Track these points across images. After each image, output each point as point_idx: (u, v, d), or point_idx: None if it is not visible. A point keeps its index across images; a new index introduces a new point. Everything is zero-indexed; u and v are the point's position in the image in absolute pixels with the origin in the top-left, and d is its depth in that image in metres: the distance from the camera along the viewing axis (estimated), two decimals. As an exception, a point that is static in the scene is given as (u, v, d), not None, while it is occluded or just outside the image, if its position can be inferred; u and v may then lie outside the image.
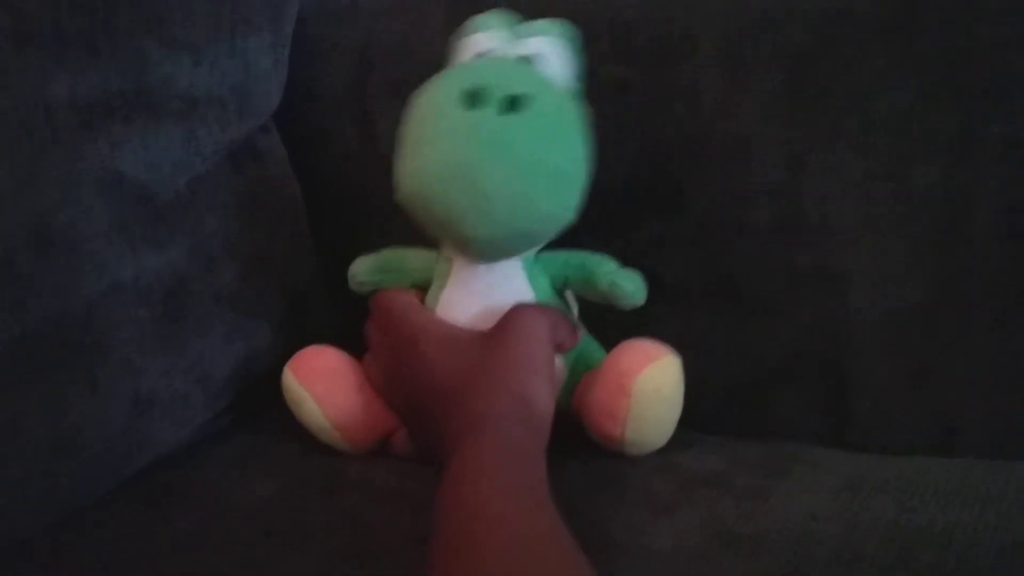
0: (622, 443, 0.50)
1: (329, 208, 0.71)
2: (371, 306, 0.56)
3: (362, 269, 0.58)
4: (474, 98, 0.46)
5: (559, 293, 0.54)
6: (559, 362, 0.52)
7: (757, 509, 0.45)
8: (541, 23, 0.53)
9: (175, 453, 0.57)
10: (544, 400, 0.47)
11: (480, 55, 0.52)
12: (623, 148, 0.58)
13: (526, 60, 0.50)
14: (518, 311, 0.50)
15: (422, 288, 0.55)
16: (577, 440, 0.52)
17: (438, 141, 0.47)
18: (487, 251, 0.49)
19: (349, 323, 0.59)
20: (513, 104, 0.46)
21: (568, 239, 0.55)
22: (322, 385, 0.54)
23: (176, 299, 0.57)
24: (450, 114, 0.46)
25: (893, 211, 0.52)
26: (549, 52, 0.51)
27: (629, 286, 0.51)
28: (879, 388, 0.54)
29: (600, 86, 0.58)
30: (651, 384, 0.49)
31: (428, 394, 0.48)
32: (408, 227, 0.60)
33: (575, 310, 0.56)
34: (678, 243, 0.58)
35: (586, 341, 0.55)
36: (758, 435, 0.55)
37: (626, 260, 0.54)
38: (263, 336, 0.63)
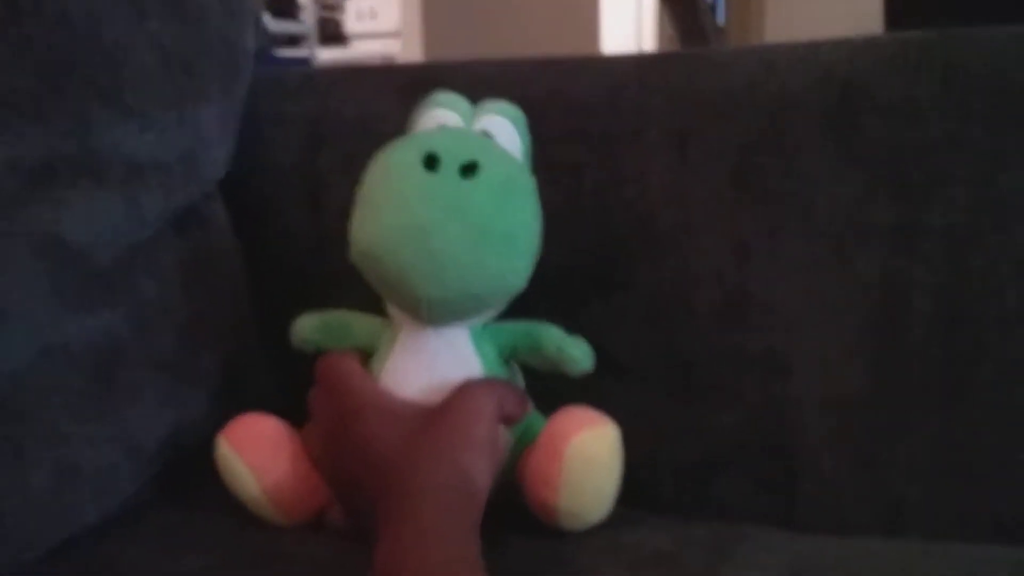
0: (556, 512, 0.49)
1: (272, 279, 0.70)
2: (316, 369, 0.55)
3: (306, 327, 0.57)
4: (433, 162, 0.47)
5: (507, 363, 0.54)
6: (506, 434, 0.51)
7: (707, 592, 0.45)
8: (494, 103, 0.55)
9: (101, 524, 0.54)
10: (483, 475, 0.47)
11: (440, 127, 0.53)
12: (576, 227, 0.58)
13: (482, 134, 0.52)
14: (466, 387, 0.50)
15: (365, 353, 0.55)
16: (521, 519, 0.52)
17: (395, 201, 0.48)
18: (437, 313, 0.49)
19: (289, 395, 0.58)
20: (468, 170, 0.47)
21: (520, 314, 0.55)
22: (257, 454, 0.53)
23: (108, 365, 0.55)
24: (409, 176, 0.48)
25: (835, 298, 0.53)
26: (500, 130, 0.53)
27: (576, 352, 0.52)
28: (825, 471, 0.54)
29: (553, 167, 0.59)
30: (585, 449, 0.49)
31: (367, 464, 0.47)
32: (351, 300, 0.59)
33: (521, 383, 0.55)
34: (629, 321, 0.58)
35: (533, 417, 0.54)
36: (707, 515, 0.55)
37: (581, 336, 0.54)
38: (197, 405, 0.60)
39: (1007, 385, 0.50)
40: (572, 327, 0.54)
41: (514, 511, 0.51)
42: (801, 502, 0.55)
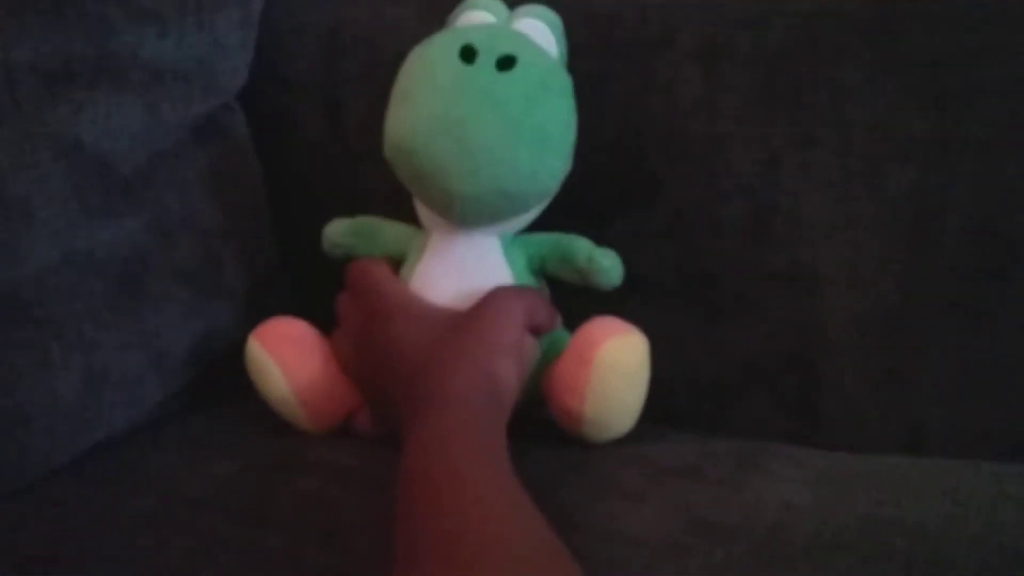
0: (582, 419, 0.49)
1: (292, 192, 0.69)
2: (346, 275, 0.55)
3: (336, 230, 0.57)
4: (470, 54, 0.47)
5: (536, 274, 0.54)
6: (534, 344, 0.51)
7: (731, 499, 0.45)
8: (531, 7, 0.54)
9: (129, 432, 0.55)
10: (510, 379, 0.47)
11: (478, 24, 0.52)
12: (600, 140, 0.57)
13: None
14: (495, 293, 0.50)
15: (395, 260, 0.55)
16: (544, 431, 0.52)
17: (431, 92, 0.47)
18: (470, 211, 0.49)
19: (311, 308, 0.57)
20: (505, 63, 0.47)
21: (544, 228, 0.55)
22: (288, 354, 0.53)
23: (132, 273, 0.56)
24: (446, 67, 0.47)
25: (867, 211, 0.52)
26: (537, 33, 0.52)
27: (606, 261, 0.52)
28: (848, 388, 0.54)
29: (578, 78, 0.57)
30: (613, 356, 0.48)
31: (395, 368, 0.48)
32: (373, 212, 0.59)
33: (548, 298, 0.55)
34: (653, 237, 0.58)
35: (558, 332, 0.54)
36: (728, 433, 0.55)
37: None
38: (222, 315, 0.61)
39: (1037, 303, 0.49)
40: (595, 242, 0.54)
41: (537, 426, 0.52)
42: (823, 420, 0.55)
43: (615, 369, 0.48)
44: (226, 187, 0.64)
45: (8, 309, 0.49)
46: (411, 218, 0.56)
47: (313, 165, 0.69)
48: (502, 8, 0.54)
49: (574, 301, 0.55)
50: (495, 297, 0.49)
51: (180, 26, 0.59)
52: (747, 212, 0.55)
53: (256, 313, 0.62)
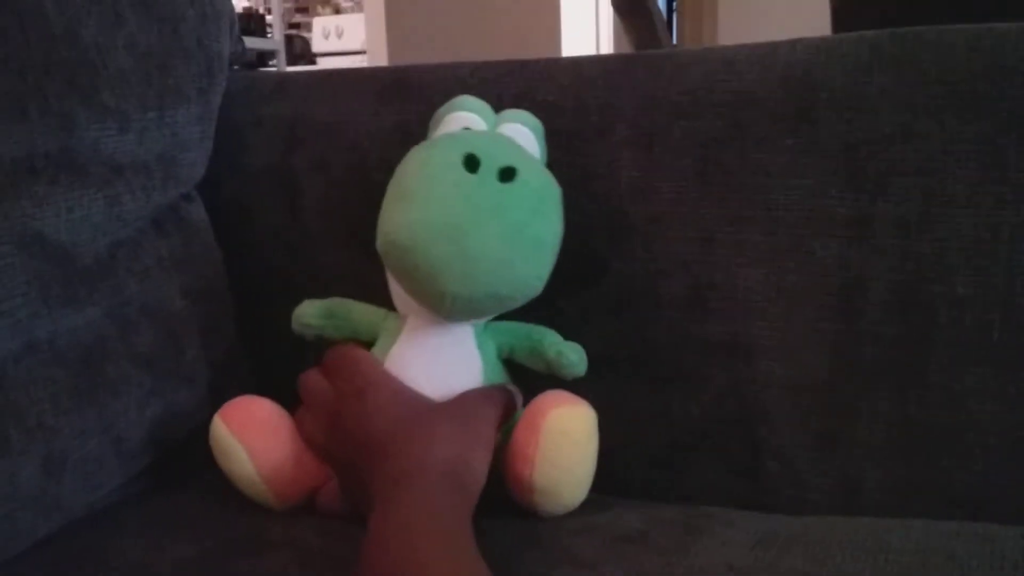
0: (532, 488, 0.51)
1: (252, 278, 0.71)
2: (325, 357, 0.56)
3: (309, 311, 0.59)
4: (473, 163, 0.49)
5: (503, 361, 0.56)
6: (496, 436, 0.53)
7: (678, 563, 0.47)
8: (516, 112, 0.57)
9: (90, 517, 0.55)
10: (481, 471, 0.48)
11: (475, 131, 0.55)
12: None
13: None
14: (481, 391, 0.52)
15: (364, 343, 0.56)
16: (500, 508, 0.53)
17: (434, 198, 0.49)
18: (460, 309, 0.51)
19: (271, 387, 0.59)
20: (506, 175, 0.49)
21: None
22: (254, 434, 0.54)
23: (93, 360, 0.56)
24: (449, 174, 0.49)
25: (796, 284, 0.55)
26: (522, 139, 0.55)
27: (574, 356, 0.54)
28: (787, 451, 0.56)
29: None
30: (561, 424, 0.50)
31: (366, 444, 0.49)
32: (333, 295, 0.61)
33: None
34: (600, 314, 0.60)
35: (518, 412, 0.56)
36: (677, 498, 0.57)
37: (551, 329, 0.56)
38: (183, 399, 0.61)
39: (958, 367, 0.53)
40: (543, 318, 0.56)
41: (492, 502, 0.53)
42: (765, 482, 0.57)
43: (563, 436, 0.50)
44: (186, 273, 0.65)
45: (-31, 398, 0.50)
46: (372, 299, 0.58)
47: (273, 250, 0.71)
48: (489, 112, 0.57)
49: (531, 374, 0.57)
50: (481, 393, 0.52)
51: (141, 122, 0.61)
52: (686, 287, 0.58)
53: (217, 394, 0.63)
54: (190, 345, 0.63)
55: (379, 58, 2.84)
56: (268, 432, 0.54)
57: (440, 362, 0.53)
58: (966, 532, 0.49)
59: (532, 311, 0.56)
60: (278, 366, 0.60)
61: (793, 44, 0.57)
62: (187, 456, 0.56)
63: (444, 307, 0.50)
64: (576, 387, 0.55)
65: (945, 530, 0.49)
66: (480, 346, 0.54)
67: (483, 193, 0.49)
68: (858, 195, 0.54)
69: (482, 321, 0.55)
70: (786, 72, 0.56)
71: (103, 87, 0.59)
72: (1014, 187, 0.51)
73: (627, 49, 2.67)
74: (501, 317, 0.56)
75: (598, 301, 0.61)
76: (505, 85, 0.63)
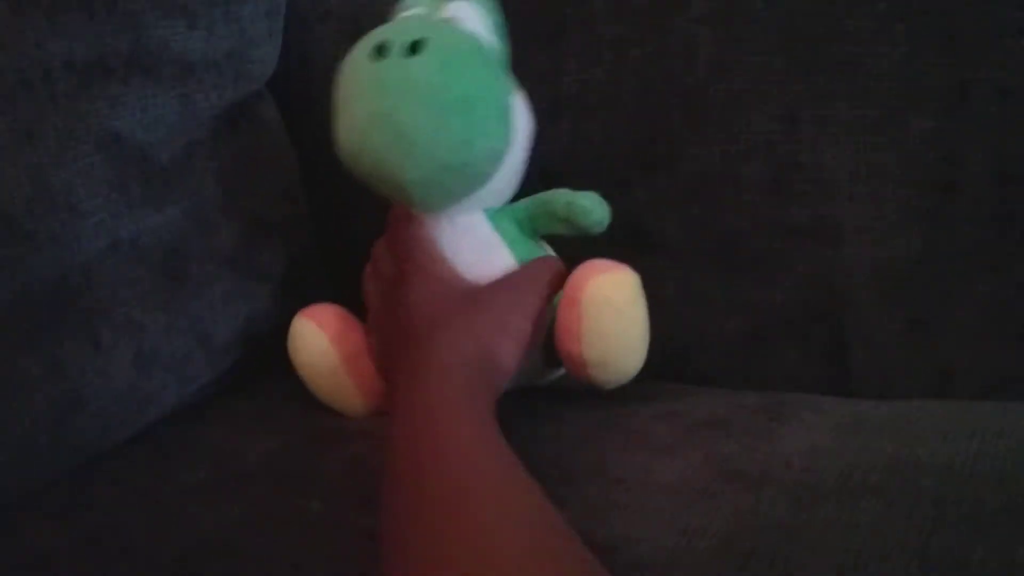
0: (584, 362, 0.50)
1: (324, 175, 0.71)
2: (389, 216, 0.56)
3: None
4: (382, 50, 0.49)
5: (534, 237, 0.55)
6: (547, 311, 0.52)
7: (760, 447, 0.46)
8: None
9: (179, 412, 0.57)
10: (509, 363, 0.47)
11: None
12: (620, 104, 0.58)
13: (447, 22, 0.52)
14: (512, 275, 0.51)
15: None
16: (577, 397, 0.53)
17: (356, 96, 0.49)
18: (423, 194, 0.50)
19: (344, 292, 0.59)
20: (412, 49, 0.48)
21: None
22: (334, 326, 0.55)
23: (175, 259, 0.58)
24: (362, 67, 0.49)
25: (888, 162, 0.52)
26: (465, 15, 0.52)
27: (586, 201, 0.53)
28: (876, 337, 0.54)
29: (596, 43, 0.58)
30: (600, 292, 0.49)
31: (404, 328, 0.49)
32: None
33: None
34: (675, 200, 0.58)
35: None
36: (758, 387, 0.56)
37: (624, 217, 0.54)
38: (262, 298, 0.63)
39: (1061, 242, 0.49)
40: (616, 207, 0.54)
41: (568, 393, 0.53)
42: (852, 371, 0.56)
43: (606, 305, 0.49)
44: (261, 172, 0.66)
45: (58, 298, 0.51)
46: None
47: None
48: (432, 1, 0.54)
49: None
50: (514, 278, 0.51)
51: (209, 18, 0.61)
52: (768, 169, 0.56)
53: (295, 294, 0.64)
54: (268, 244, 0.64)
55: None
56: (348, 327, 0.55)
57: (461, 257, 0.52)
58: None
59: (602, 196, 0.54)
60: (352, 268, 0.60)
61: (886, -102, 0.52)
62: (270, 356, 0.57)
63: (409, 198, 0.50)
64: (650, 276, 0.54)
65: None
66: (499, 229, 0.53)
67: (392, 73, 0.48)
68: (956, 61, 0.50)
69: (494, 206, 0.54)
70: (879, -70, 0.52)
71: (168, -18, 0.58)
72: None
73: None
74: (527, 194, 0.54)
75: (675, 186, 0.58)
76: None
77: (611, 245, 0.53)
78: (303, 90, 0.71)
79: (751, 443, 0.46)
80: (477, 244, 0.53)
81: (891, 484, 0.41)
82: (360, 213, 0.59)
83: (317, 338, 0.55)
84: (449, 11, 0.53)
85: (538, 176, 0.55)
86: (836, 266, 0.55)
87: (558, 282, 0.52)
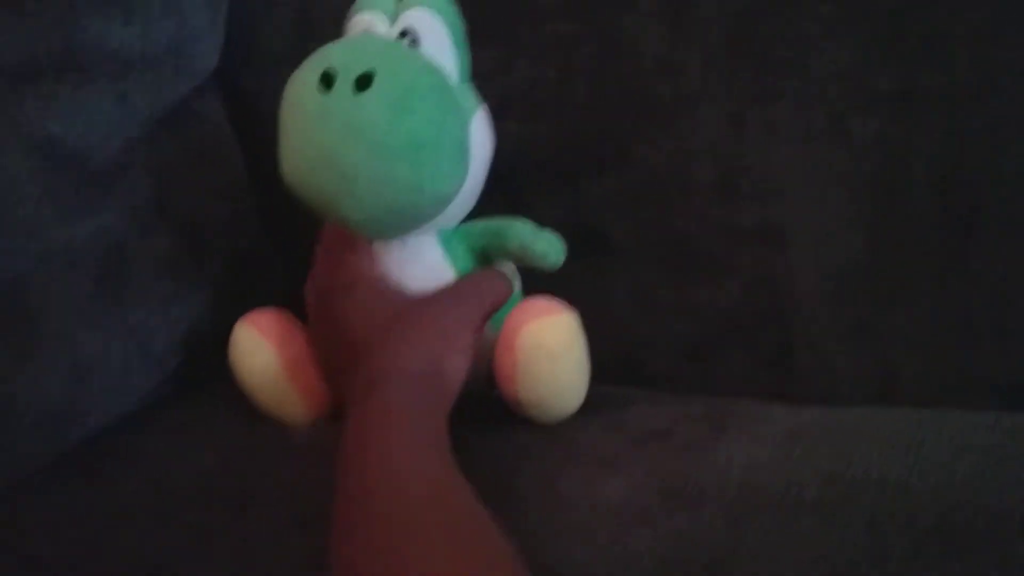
0: (521, 404, 0.50)
1: (274, 169, 0.69)
2: (323, 233, 0.55)
3: None
4: (328, 80, 0.46)
5: (483, 263, 0.54)
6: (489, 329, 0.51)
7: (700, 462, 0.46)
8: None
9: (116, 423, 0.56)
10: (457, 374, 0.47)
11: (350, 38, 0.52)
12: (570, 103, 0.57)
13: (404, 34, 0.50)
14: (456, 286, 0.50)
15: None
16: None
17: (299, 127, 0.47)
18: (371, 230, 0.49)
19: (295, 288, 0.58)
20: (362, 83, 0.46)
21: (509, 196, 0.55)
22: (276, 332, 0.53)
23: (112, 266, 0.56)
24: (307, 99, 0.47)
25: (833, 165, 0.52)
26: (423, 24, 0.51)
27: (541, 246, 0.51)
28: (822, 341, 0.54)
29: (546, 41, 0.57)
30: (534, 339, 0.48)
31: (348, 340, 0.48)
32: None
33: (513, 276, 0.55)
34: (624, 201, 0.58)
35: (515, 298, 0.54)
36: (707, 390, 0.56)
37: (574, 217, 0.54)
38: (204, 303, 0.61)
39: (1004, 250, 0.49)
40: (565, 207, 0.54)
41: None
42: (797, 375, 0.56)
43: (539, 351, 0.48)
44: (204, 170, 0.64)
45: (-9, 309, 0.50)
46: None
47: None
48: (390, 4, 0.53)
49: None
50: (455, 291, 0.50)
51: (146, 12, 0.59)
52: (715, 171, 0.55)
53: (240, 298, 0.63)
54: (212, 246, 0.63)
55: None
56: (291, 332, 0.54)
57: (411, 275, 0.51)
58: (1003, 425, 0.47)
59: (546, 199, 0.54)
60: (303, 260, 0.59)
61: (834, -100, 0.52)
62: (213, 362, 0.56)
63: (355, 231, 0.49)
64: (599, 277, 0.54)
65: (981, 423, 0.47)
66: (449, 253, 0.52)
67: (338, 110, 0.45)
68: (901, 66, 0.50)
69: (448, 227, 0.52)
70: (825, -69, 0.51)
71: (103, -24, 0.56)
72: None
73: None
74: (507, 205, 0.53)
75: (625, 187, 0.58)
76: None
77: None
78: (250, 82, 0.69)
79: (693, 458, 0.46)
80: (426, 268, 0.52)
81: (827, 500, 0.41)
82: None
83: (258, 345, 0.54)
84: (408, 20, 0.51)
85: (488, 176, 0.54)
86: (783, 269, 0.55)
87: (503, 295, 0.51)
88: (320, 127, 0.46)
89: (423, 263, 0.51)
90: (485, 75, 0.55)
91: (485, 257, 0.54)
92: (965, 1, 0.48)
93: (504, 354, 0.49)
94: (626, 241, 0.58)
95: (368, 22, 0.52)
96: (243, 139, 0.68)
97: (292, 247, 0.63)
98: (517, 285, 0.54)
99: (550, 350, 0.49)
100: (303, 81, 0.47)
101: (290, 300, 0.57)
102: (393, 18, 0.52)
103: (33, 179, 0.52)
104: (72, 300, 0.54)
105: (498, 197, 0.55)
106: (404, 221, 0.49)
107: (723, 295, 0.57)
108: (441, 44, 0.51)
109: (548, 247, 0.51)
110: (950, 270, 0.51)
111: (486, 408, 0.53)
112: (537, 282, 0.55)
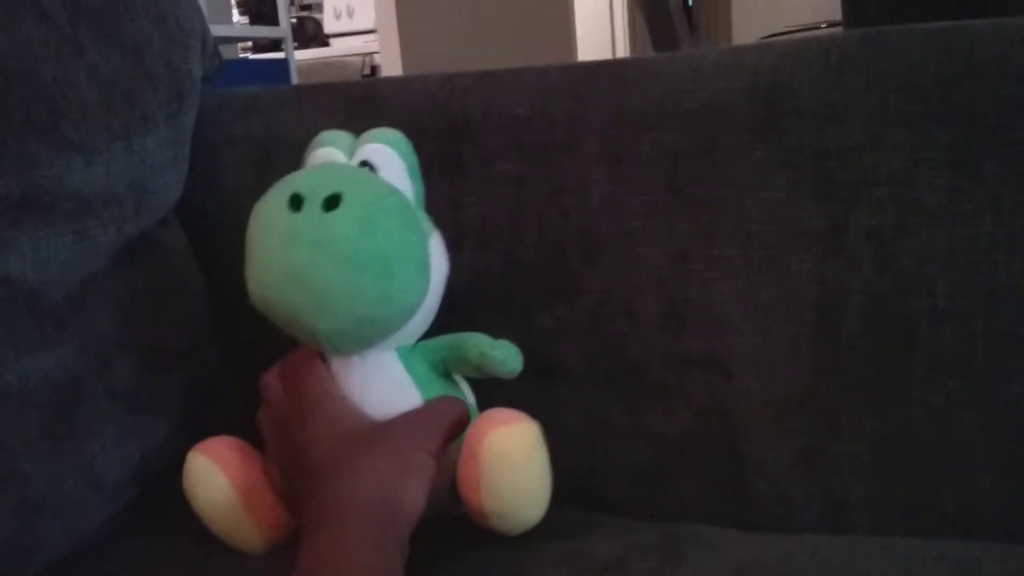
0: (484, 514, 0.50)
1: (233, 301, 0.70)
2: (285, 361, 0.55)
3: None
4: (297, 202, 0.49)
5: (445, 377, 0.55)
6: (450, 451, 0.52)
7: (652, 598, 0.46)
8: (373, 132, 0.56)
9: (68, 558, 0.55)
10: (415, 500, 0.47)
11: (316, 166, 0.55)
12: (523, 238, 0.60)
13: (364, 164, 0.54)
14: (412, 413, 0.51)
15: None
16: (477, 532, 0.53)
17: (269, 247, 0.49)
18: (337, 343, 0.51)
19: (253, 416, 0.58)
20: (330, 203, 0.48)
21: (465, 327, 0.56)
22: (230, 461, 0.54)
23: (67, 400, 0.56)
24: (276, 220, 0.49)
25: (772, 299, 0.54)
26: (380, 157, 0.54)
27: (499, 353, 0.53)
28: (771, 468, 0.55)
29: (497, 180, 0.60)
30: (497, 446, 0.50)
31: (304, 467, 0.48)
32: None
33: (465, 394, 0.56)
34: (576, 330, 0.59)
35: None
36: (660, 516, 0.56)
37: (528, 345, 0.55)
38: (160, 435, 0.61)
39: (939, 380, 0.51)
40: (519, 336, 0.55)
41: (470, 525, 0.53)
42: (751, 501, 0.56)
43: (503, 459, 0.50)
44: (165, 300, 0.65)
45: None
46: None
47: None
48: (347, 140, 0.56)
49: (500, 391, 0.55)
50: (417, 415, 0.51)
51: (107, 153, 0.60)
52: (661, 303, 0.57)
53: (198, 426, 0.63)
54: (169, 377, 0.63)
55: (390, 37, 2.82)
56: (244, 459, 0.55)
57: (369, 395, 0.52)
58: (951, 555, 0.48)
59: (500, 329, 0.55)
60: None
61: (760, 49, 0.55)
62: (167, 492, 0.56)
63: (323, 345, 0.51)
64: (554, 404, 0.54)
65: (931, 553, 0.48)
66: (410, 369, 0.53)
67: (308, 229, 0.48)
68: (830, 206, 0.52)
69: (407, 343, 0.54)
70: (753, 79, 0.54)
71: (64, 121, 0.58)
72: (991, 195, 0.49)
73: (644, 48, 2.63)
74: (466, 327, 0.55)
75: (574, 318, 0.59)
76: (472, 98, 0.62)
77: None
78: (211, 214, 0.71)
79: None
80: (387, 384, 0.53)
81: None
82: (272, 331, 0.59)
83: (212, 473, 0.54)
84: (366, 152, 0.54)
85: (444, 306, 0.55)
86: (730, 397, 0.56)
87: (461, 422, 0.52)
88: (290, 244, 0.48)
89: (384, 378, 0.53)
90: (439, 209, 0.57)
91: (445, 369, 0.55)
92: (885, 147, 0.51)
93: (468, 463, 0.50)
94: (579, 368, 0.60)
95: (328, 155, 0.55)
96: (206, 267, 0.69)
97: (251, 374, 0.63)
98: (472, 400, 0.55)
99: (514, 458, 0.50)
100: (272, 203, 0.50)
101: (248, 428, 0.57)
102: (350, 154, 0.55)
103: (-11, 318, 0.53)
104: (23, 438, 0.53)
105: (454, 326, 0.56)
106: (372, 332, 0.51)
107: (675, 421, 0.58)
108: (398, 174, 0.54)
109: (506, 354, 0.53)
110: (890, 400, 0.52)
111: (444, 536, 0.53)
112: (493, 405, 0.56)
